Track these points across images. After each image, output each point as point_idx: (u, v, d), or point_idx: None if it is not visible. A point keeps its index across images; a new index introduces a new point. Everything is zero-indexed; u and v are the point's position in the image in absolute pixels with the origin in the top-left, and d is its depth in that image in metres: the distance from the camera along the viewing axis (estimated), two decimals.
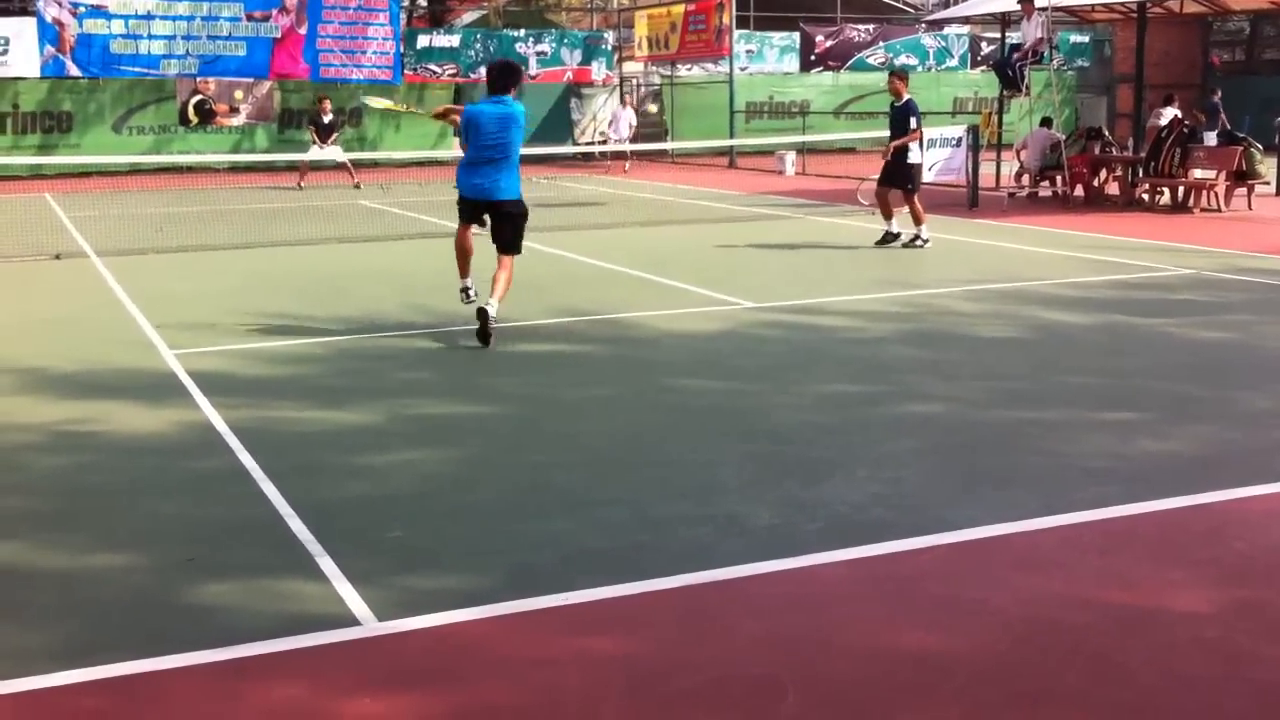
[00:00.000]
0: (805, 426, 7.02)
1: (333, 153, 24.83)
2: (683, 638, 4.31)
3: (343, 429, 7.08)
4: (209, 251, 15.14)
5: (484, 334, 9.14)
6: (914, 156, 14.82)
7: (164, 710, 3.83)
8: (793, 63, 37.16)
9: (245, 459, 6.41)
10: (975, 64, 39.01)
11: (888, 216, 14.88)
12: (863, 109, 35.67)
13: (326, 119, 25.17)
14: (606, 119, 33.88)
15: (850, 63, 37.49)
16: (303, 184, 24.99)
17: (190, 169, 28.89)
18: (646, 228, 17.51)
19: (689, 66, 36.32)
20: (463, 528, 5.43)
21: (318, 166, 25.69)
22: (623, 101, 30.87)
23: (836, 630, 4.35)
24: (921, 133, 14.92)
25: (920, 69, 38.05)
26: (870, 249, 14.75)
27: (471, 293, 9.78)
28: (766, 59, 36.72)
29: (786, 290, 11.73)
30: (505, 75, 9.69)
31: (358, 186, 24.51)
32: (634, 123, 30.29)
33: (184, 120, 30.53)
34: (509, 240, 9.64)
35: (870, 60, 37.72)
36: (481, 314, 9.17)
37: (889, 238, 14.84)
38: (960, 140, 19.78)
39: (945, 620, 4.43)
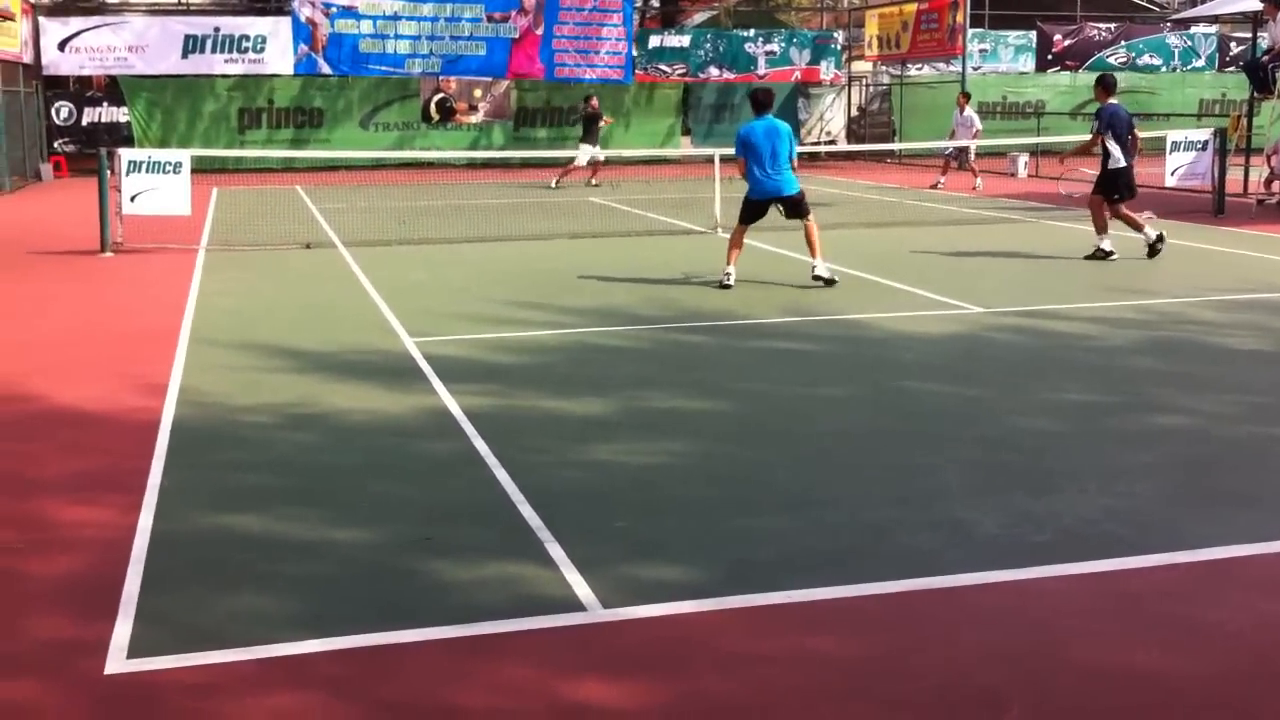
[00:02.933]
0: (1035, 435, 6.86)
1: (588, 152, 24.55)
2: (903, 644, 4.28)
3: (573, 418, 7.26)
4: (447, 244, 15.69)
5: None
6: (1115, 163, 13.73)
7: (399, 682, 4.02)
8: (1028, 62, 36.14)
9: (479, 444, 6.65)
10: (1223, 65, 37.22)
11: (1101, 230, 13.87)
12: None
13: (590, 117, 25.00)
14: (836, 120, 33.35)
15: (1089, 62, 36.22)
16: (559, 183, 24.75)
17: (431, 165, 29.91)
18: (872, 229, 17.33)
19: (919, 66, 35.73)
20: (685, 520, 5.51)
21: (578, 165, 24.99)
22: (959, 105, 25.02)
23: (1063, 645, 4.25)
24: (1098, 139, 13.79)
25: (1164, 69, 36.55)
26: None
27: (731, 278, 11.66)
28: (1001, 58, 35.81)
29: (1018, 295, 11.45)
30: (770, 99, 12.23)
31: (595, 184, 24.77)
32: (979, 126, 24.97)
33: (426, 117, 31.64)
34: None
35: (1111, 60, 36.37)
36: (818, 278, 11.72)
37: (1099, 253, 13.79)
38: (1206, 144, 18.92)
39: (1178, 641, 4.29)
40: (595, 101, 25.69)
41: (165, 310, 10.90)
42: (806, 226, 12.20)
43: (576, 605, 4.56)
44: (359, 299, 11.53)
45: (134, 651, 4.20)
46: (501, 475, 6.11)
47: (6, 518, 5.64)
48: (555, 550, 5.09)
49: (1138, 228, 13.83)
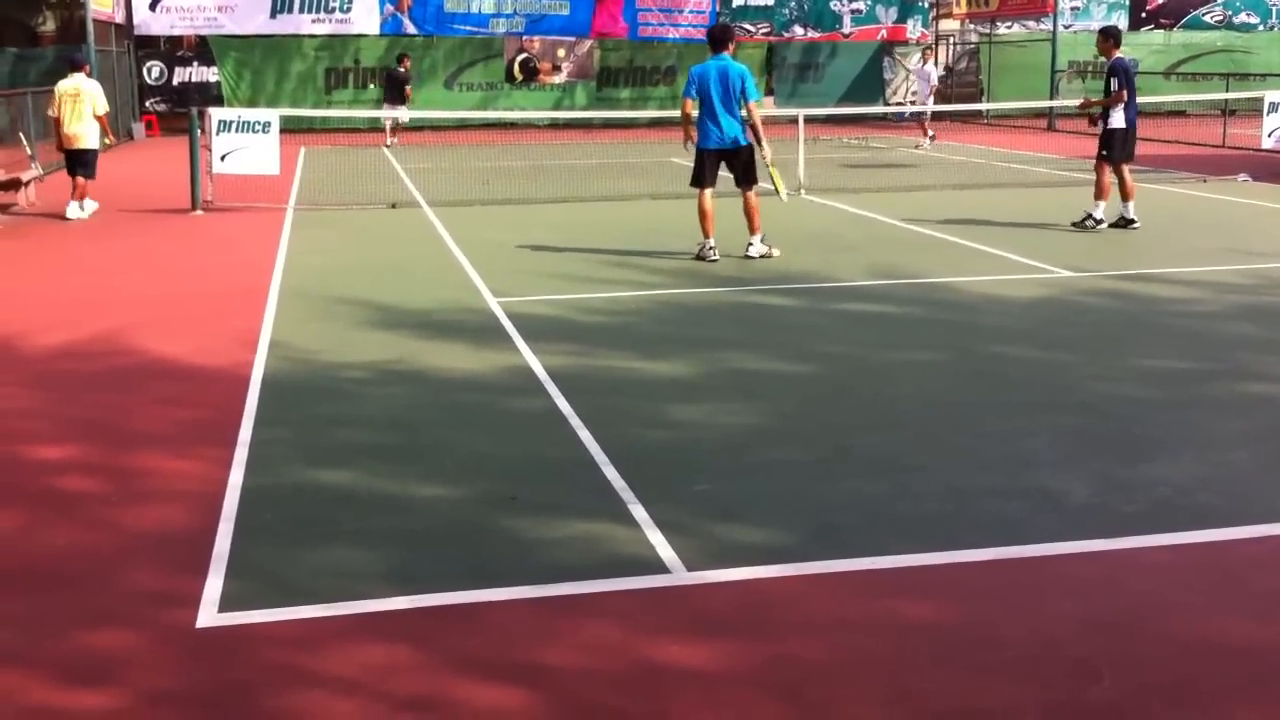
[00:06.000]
0: (1126, 402, 6.73)
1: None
2: (993, 612, 4.23)
3: (655, 379, 7.25)
4: (530, 205, 15.72)
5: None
6: (1115, 121, 12.98)
7: (484, 639, 4.04)
8: (1122, 20, 35.27)
9: (562, 403, 6.66)
10: None
11: (1125, 197, 13.05)
12: (1196, 69, 33.62)
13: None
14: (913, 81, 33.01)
15: (1184, 20, 35.36)
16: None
17: (514, 125, 29.95)
18: (960, 190, 17.07)
19: (1009, 24, 35.06)
20: (769, 484, 5.48)
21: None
22: (923, 57, 26.72)
23: (1157, 617, 4.17)
24: (1123, 95, 12.84)
25: (1261, 28, 35.52)
26: (1198, 216, 13.93)
27: (714, 252, 11.09)
28: (1093, 16, 35.00)
29: (1108, 258, 11.22)
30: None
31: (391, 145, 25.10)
32: (934, 82, 26.27)
33: (509, 78, 31.68)
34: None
35: (1207, 19, 35.47)
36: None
37: (1122, 222, 13.00)
38: None
39: (1276, 614, 4.18)
40: (408, 62, 25.97)
41: (255, 268, 11.05)
42: (746, 198, 11.30)
43: (660, 567, 4.56)
44: (443, 258, 11.59)
45: (225, 605, 4.27)
46: (584, 435, 6.11)
47: (102, 469, 5.76)
48: (638, 511, 5.08)
49: (1101, 196, 12.97)
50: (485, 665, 3.87)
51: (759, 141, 11.19)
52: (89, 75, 15.32)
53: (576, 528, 4.96)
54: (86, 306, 9.55)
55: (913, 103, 28.52)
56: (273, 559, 4.69)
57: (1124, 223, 13.00)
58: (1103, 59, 13.54)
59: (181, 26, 29.78)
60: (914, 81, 25.08)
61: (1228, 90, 27.11)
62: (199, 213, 14.94)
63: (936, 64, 27.41)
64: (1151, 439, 6.04)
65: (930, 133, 24.90)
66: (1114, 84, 13.00)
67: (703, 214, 11.23)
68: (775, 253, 11.23)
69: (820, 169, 18.30)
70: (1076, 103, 13.17)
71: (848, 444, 6.07)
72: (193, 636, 4.07)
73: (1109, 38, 13.40)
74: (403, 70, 25.33)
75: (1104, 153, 13.06)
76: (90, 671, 3.86)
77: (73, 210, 14.68)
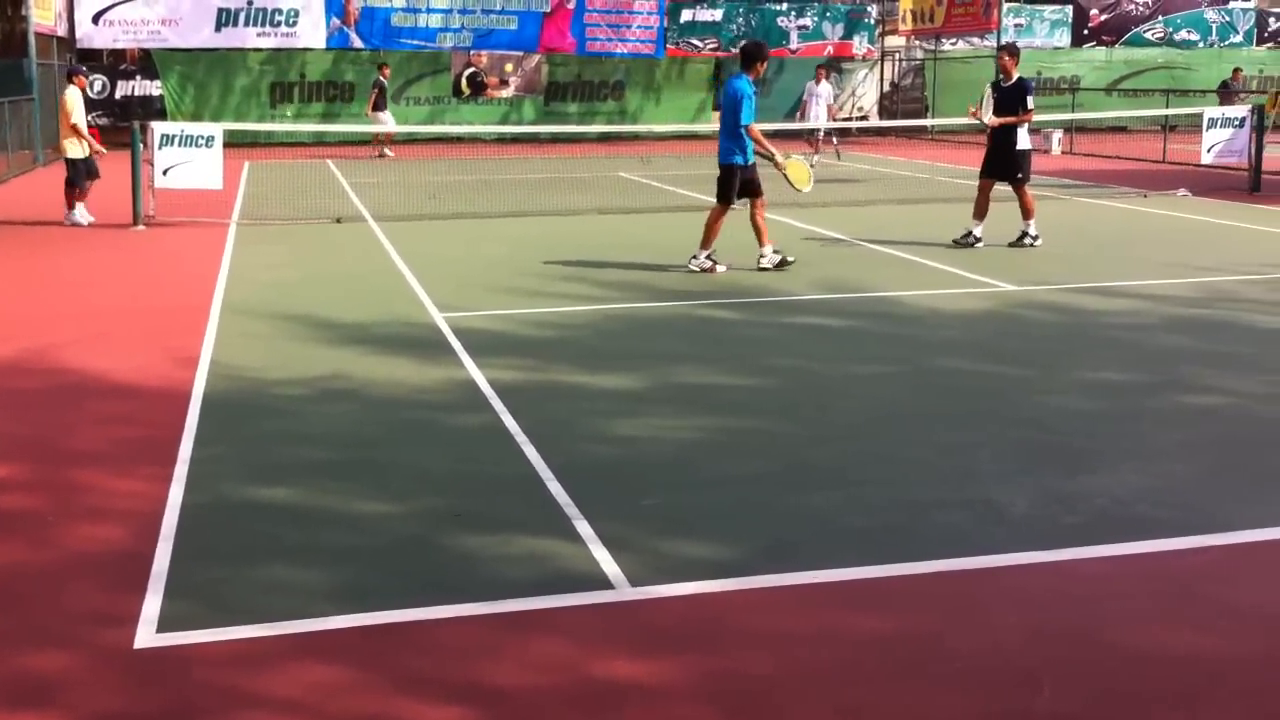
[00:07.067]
0: (1069, 414, 6.78)
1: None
2: (940, 623, 4.24)
3: (602, 394, 7.23)
4: (477, 219, 15.66)
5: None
6: (1024, 143, 12.92)
7: (429, 657, 4.00)
8: (1064, 37, 35.79)
9: (507, 419, 6.62)
10: (1261, 40, 36.79)
11: (980, 214, 12.99)
12: (1137, 85, 34.13)
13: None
14: (868, 95, 33.09)
15: (1126, 37, 35.89)
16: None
17: (461, 140, 29.85)
18: (906, 206, 17.20)
19: (954, 41, 35.42)
20: (717, 498, 5.47)
21: None
22: (816, 77, 24.67)
23: (1100, 627, 4.19)
24: (1032, 115, 12.84)
25: (1201, 45, 36.13)
26: (1140, 231, 14.12)
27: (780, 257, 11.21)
28: (1036, 33, 35.45)
29: (1051, 272, 11.34)
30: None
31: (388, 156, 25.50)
32: (832, 101, 25.05)
33: (457, 92, 31.56)
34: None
35: (1148, 35, 36.02)
36: None
37: (969, 239, 12.93)
38: (1244, 121, 18.70)
39: (1218, 624, 4.22)
40: (387, 71, 26.76)
41: (197, 283, 10.92)
42: (710, 212, 11.39)
43: (605, 583, 4.53)
44: (389, 273, 11.52)
45: (164, 625, 4.20)
46: (530, 451, 6.08)
47: (39, 487, 5.65)
48: (583, 527, 5.06)
49: (1029, 215, 12.91)
50: (430, 684, 3.82)
51: (768, 156, 11.43)
52: (80, 86, 15.67)
53: (522, 544, 4.92)
54: (24, 323, 9.39)
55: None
56: (213, 578, 4.62)
57: (1029, 240, 12.89)
58: (1001, 78, 13.16)
59: (125, 40, 29.44)
60: (813, 102, 24.26)
61: (1168, 106, 27.52)
62: (141, 228, 14.76)
63: (828, 82, 25.40)
64: (1092, 451, 6.09)
65: (819, 151, 23.96)
66: (1029, 102, 12.87)
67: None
68: (787, 260, 11.40)
69: (767, 184, 18.36)
70: (996, 121, 12.84)
71: (797, 457, 6.07)
72: (131, 657, 4.00)
73: (1015, 55, 13.19)
74: (383, 79, 26.26)
75: (1019, 175, 12.95)
76: (25, 693, 3.77)
77: (80, 214, 15.22)
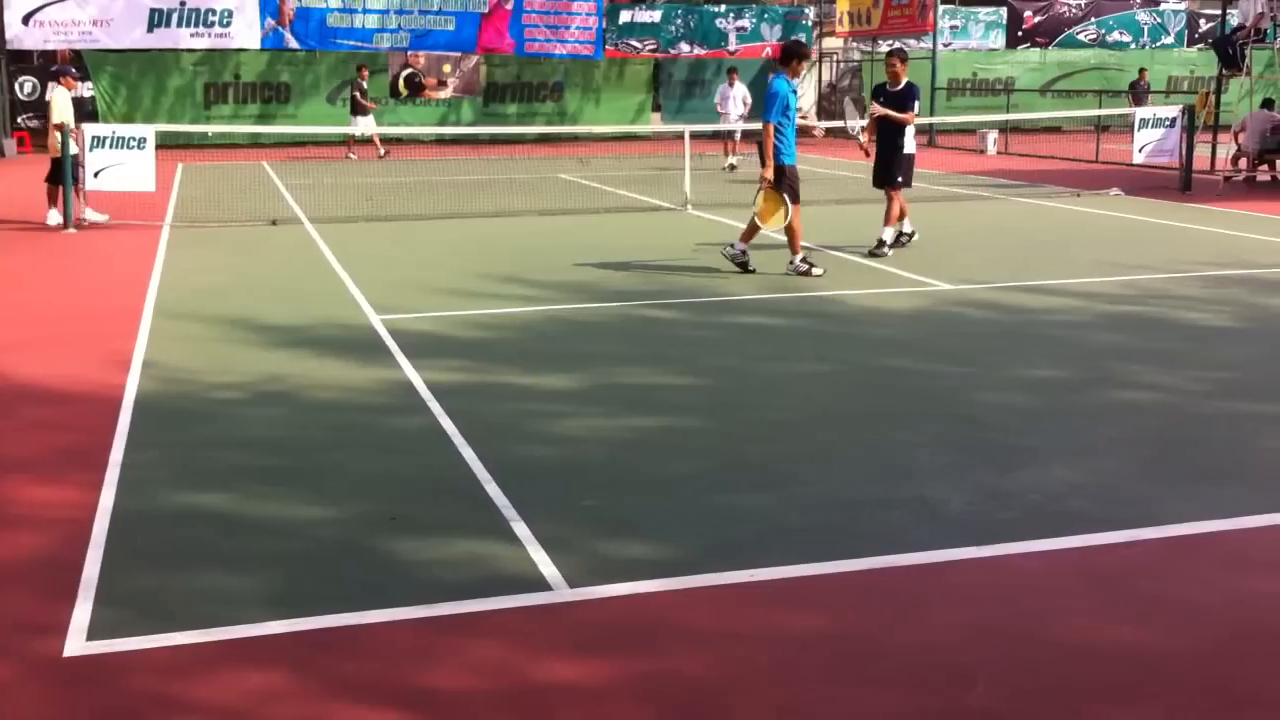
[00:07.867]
0: (1003, 411, 6.86)
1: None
2: (876, 621, 4.26)
3: (540, 395, 7.20)
4: (415, 221, 15.57)
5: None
6: (909, 147, 12.79)
7: (365, 662, 3.96)
8: (999, 39, 36.22)
9: (444, 421, 6.58)
10: (1192, 41, 37.41)
11: (901, 215, 12.93)
12: (1071, 86, 34.58)
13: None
14: (806, 96, 33.18)
15: (1059, 39, 36.38)
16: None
17: (399, 141, 29.65)
18: (842, 206, 17.30)
19: (890, 42, 35.69)
20: (656, 498, 5.47)
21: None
22: (729, 80, 24.36)
23: (1034, 622, 4.24)
24: (913, 117, 12.71)
25: (1134, 45, 36.70)
26: (1073, 230, 14.30)
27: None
28: (971, 35, 35.87)
29: (987, 272, 11.45)
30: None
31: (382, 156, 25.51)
32: (749, 100, 23.82)
33: (394, 93, 31.36)
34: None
35: (1081, 37, 36.53)
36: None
37: (901, 239, 12.94)
38: (1175, 121, 18.99)
39: (1149, 617, 4.28)
40: (365, 72, 26.74)
41: (129, 286, 10.77)
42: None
43: (542, 585, 4.52)
44: (325, 276, 11.42)
45: (94, 633, 4.13)
46: (467, 452, 6.05)
47: None
48: (521, 529, 5.04)
49: (891, 220, 12.72)
50: (366, 689, 3.79)
51: (762, 161, 11.43)
52: (69, 87, 15.52)
53: (458, 547, 4.89)
54: None
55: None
56: (144, 585, 4.55)
57: (878, 250, 12.57)
58: (888, 82, 12.94)
59: (56, 41, 28.96)
60: (726, 103, 23.86)
61: (1100, 107, 27.91)
62: (72, 230, 14.53)
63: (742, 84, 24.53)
64: (1025, 447, 6.15)
65: (736, 155, 23.38)
66: (917, 107, 12.82)
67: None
68: (816, 271, 11.21)
69: (705, 184, 18.44)
70: (879, 111, 12.71)
71: (735, 457, 6.08)
72: (60, 665, 3.93)
73: (905, 60, 12.98)
74: (361, 81, 26.30)
75: (900, 179, 12.82)
76: None
77: (88, 215, 15.03)
